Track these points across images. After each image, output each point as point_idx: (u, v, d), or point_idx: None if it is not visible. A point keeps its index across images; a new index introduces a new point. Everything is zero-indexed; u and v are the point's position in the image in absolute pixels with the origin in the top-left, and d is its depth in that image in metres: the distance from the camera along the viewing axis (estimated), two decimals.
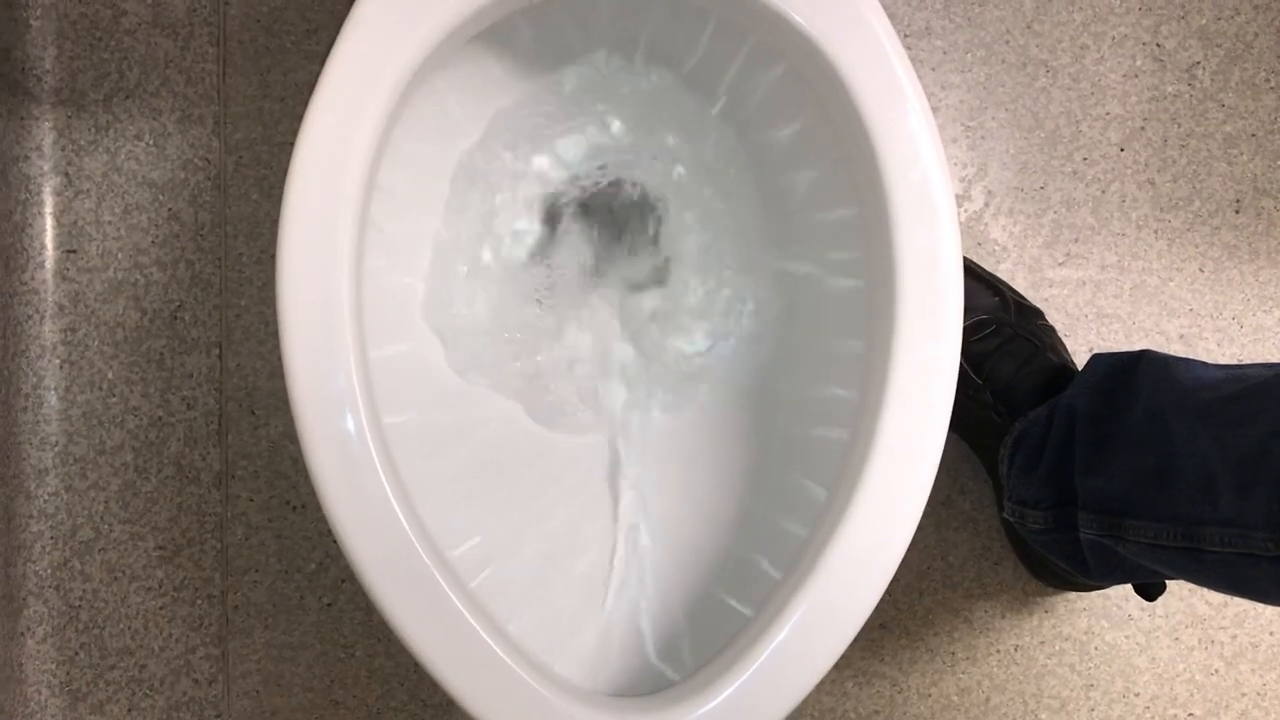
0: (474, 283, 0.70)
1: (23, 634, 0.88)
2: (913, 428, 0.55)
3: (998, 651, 0.93)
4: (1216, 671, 0.94)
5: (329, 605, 0.90)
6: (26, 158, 0.88)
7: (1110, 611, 0.93)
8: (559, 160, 0.72)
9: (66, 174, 0.89)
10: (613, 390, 0.72)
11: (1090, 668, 0.93)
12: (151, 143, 0.89)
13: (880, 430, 0.55)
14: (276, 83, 0.90)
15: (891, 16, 0.92)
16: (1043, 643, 0.93)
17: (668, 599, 0.66)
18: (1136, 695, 0.93)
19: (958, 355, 0.56)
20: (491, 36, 0.62)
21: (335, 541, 0.55)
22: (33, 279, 0.88)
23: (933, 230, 0.55)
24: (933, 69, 0.93)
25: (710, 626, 0.62)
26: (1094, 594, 0.92)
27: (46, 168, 0.89)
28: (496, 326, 0.71)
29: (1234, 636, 0.94)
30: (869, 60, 0.56)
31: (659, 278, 0.73)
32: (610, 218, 0.74)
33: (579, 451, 0.70)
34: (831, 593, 0.55)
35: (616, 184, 0.74)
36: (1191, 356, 0.82)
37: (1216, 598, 0.93)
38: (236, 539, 0.90)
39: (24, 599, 0.88)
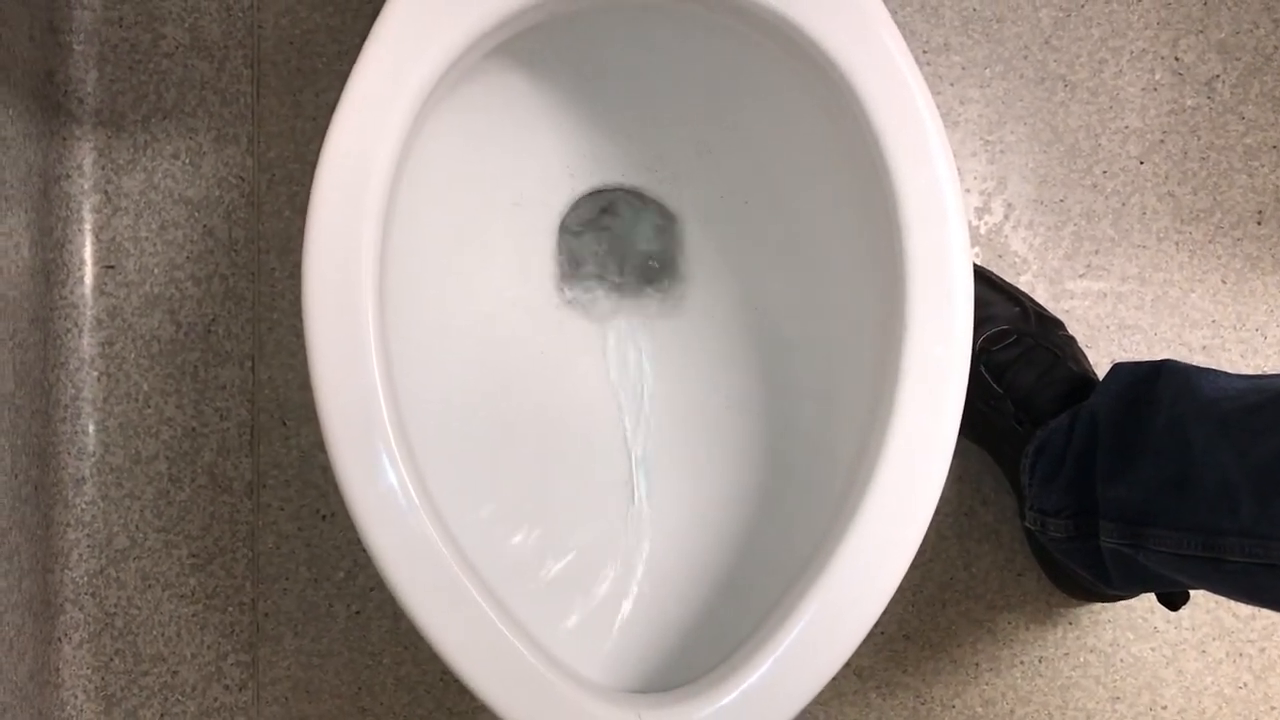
0: (488, 288, 0.73)
1: (59, 639, 0.90)
2: (924, 429, 0.56)
3: (1022, 663, 0.93)
4: (1245, 685, 0.93)
5: (357, 613, 0.91)
6: (68, 176, 0.91)
7: (1135, 623, 0.93)
8: (582, 167, 0.74)
9: (106, 192, 0.91)
10: (631, 397, 0.73)
11: (1116, 680, 0.93)
12: (188, 161, 0.92)
13: (891, 431, 0.56)
14: (309, 102, 0.92)
15: (910, 33, 0.94)
16: (1067, 654, 0.93)
17: (686, 598, 0.67)
18: (1164, 709, 0.93)
19: (968, 357, 0.57)
20: (514, 54, 0.63)
21: (364, 550, 0.57)
22: (72, 294, 0.91)
23: (942, 232, 0.56)
24: (951, 84, 0.94)
25: (727, 624, 0.63)
26: (1118, 605, 0.92)
27: (87, 186, 0.91)
28: (503, 338, 0.73)
29: (1262, 650, 0.93)
30: (877, 66, 0.57)
31: (672, 283, 0.75)
32: (629, 226, 0.76)
33: (600, 456, 0.72)
34: (844, 591, 0.55)
35: (634, 194, 0.75)
36: (1214, 367, 0.82)
37: (1244, 610, 0.93)
38: (267, 547, 0.91)
39: (61, 605, 0.90)
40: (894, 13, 0.93)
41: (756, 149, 0.72)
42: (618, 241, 0.76)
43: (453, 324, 0.71)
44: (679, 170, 0.74)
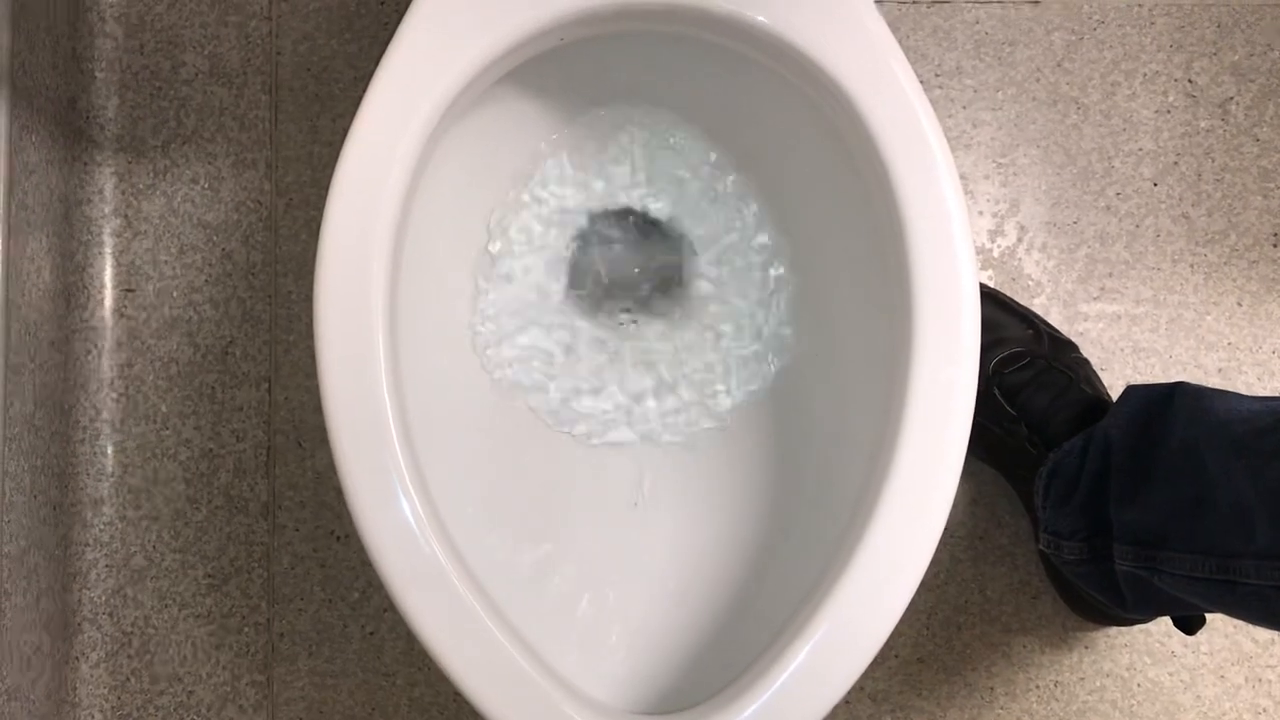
0: (508, 310, 0.73)
1: (77, 659, 0.91)
2: (931, 451, 0.56)
3: (1037, 687, 0.92)
4: (1265, 711, 0.92)
5: (371, 634, 0.92)
6: (89, 201, 0.92)
7: (1153, 648, 0.92)
8: (590, 193, 0.74)
9: (126, 216, 0.93)
10: (639, 420, 0.73)
11: (1133, 705, 0.92)
12: (207, 186, 0.93)
13: (899, 453, 0.56)
14: (326, 128, 0.94)
15: (922, 57, 0.94)
16: (1083, 679, 0.92)
17: (694, 619, 0.67)
18: None
19: (976, 379, 0.57)
20: (519, 74, 0.64)
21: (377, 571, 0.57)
22: (92, 316, 0.92)
23: (949, 255, 0.56)
24: (964, 107, 0.94)
25: (734, 646, 0.63)
26: (1135, 629, 0.92)
27: (107, 210, 0.93)
28: (529, 352, 0.73)
29: None
30: (883, 91, 0.58)
31: (684, 313, 0.75)
32: (638, 251, 0.76)
33: (609, 479, 0.72)
34: (851, 613, 0.55)
35: (643, 217, 0.76)
36: (1230, 390, 0.81)
37: (1263, 634, 0.92)
38: (282, 568, 0.92)
39: (79, 625, 0.91)
40: (905, 37, 0.94)
41: (763, 173, 0.72)
42: (625, 264, 0.76)
43: (461, 345, 0.72)
44: (687, 194, 0.74)
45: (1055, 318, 0.93)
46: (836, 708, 0.56)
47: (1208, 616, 0.80)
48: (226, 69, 0.93)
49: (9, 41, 0.80)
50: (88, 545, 0.91)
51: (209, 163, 0.93)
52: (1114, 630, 0.92)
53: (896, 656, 0.92)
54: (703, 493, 0.71)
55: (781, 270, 0.73)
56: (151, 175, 0.93)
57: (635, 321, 0.75)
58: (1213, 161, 0.94)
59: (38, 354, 0.85)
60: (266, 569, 0.92)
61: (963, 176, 0.90)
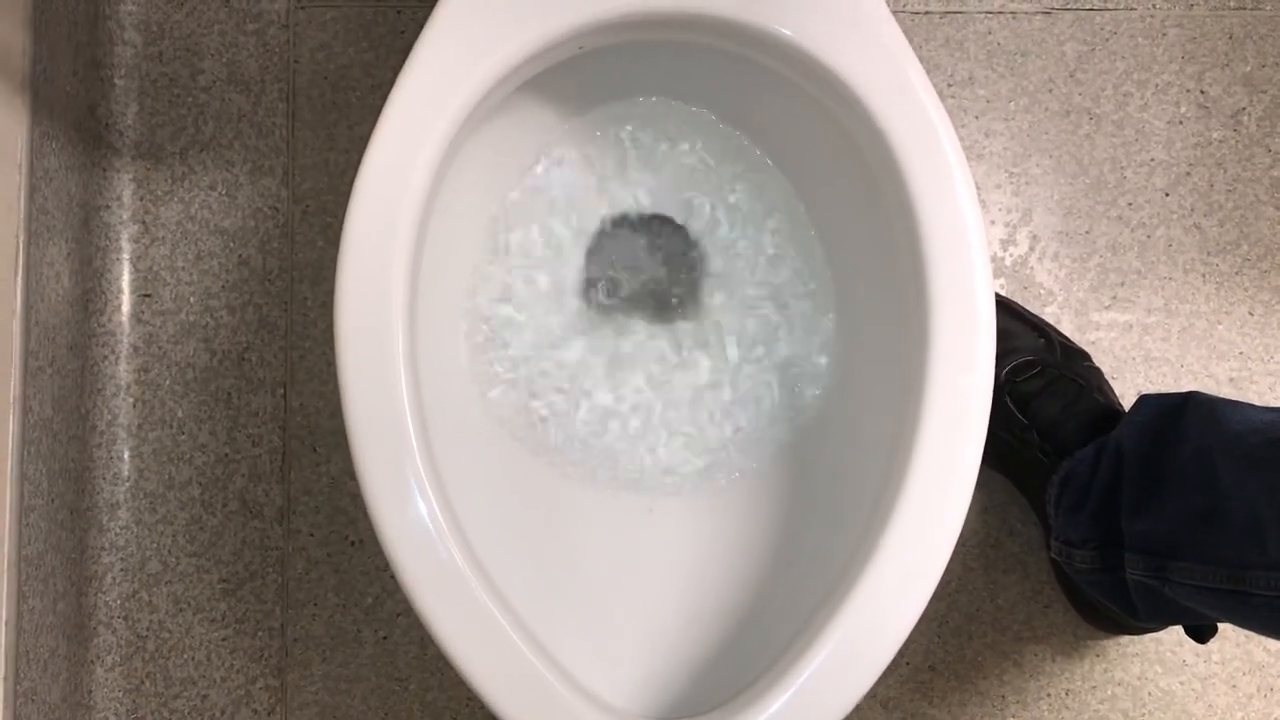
0: (511, 327, 0.73)
1: (92, 662, 0.92)
2: (947, 460, 0.56)
3: (1048, 696, 0.92)
4: None
5: (385, 639, 0.92)
6: (107, 207, 0.93)
7: (1164, 657, 0.92)
8: (605, 198, 0.75)
9: (144, 222, 0.93)
10: (655, 429, 0.73)
11: (1144, 715, 0.92)
12: (224, 192, 0.94)
13: (914, 462, 0.56)
14: (342, 136, 0.94)
15: (935, 67, 0.95)
16: (1094, 688, 0.92)
17: (709, 627, 0.67)
18: None
19: (991, 387, 0.57)
20: (537, 82, 0.65)
21: (391, 576, 0.57)
22: (110, 321, 0.93)
23: (965, 263, 0.57)
24: (976, 117, 0.94)
25: (749, 654, 0.63)
26: (1147, 638, 0.92)
27: (125, 216, 0.93)
28: (529, 376, 0.73)
29: None
30: (900, 99, 0.58)
31: (699, 325, 0.75)
32: (653, 261, 0.77)
33: (623, 482, 0.72)
34: (865, 622, 0.55)
35: (659, 224, 0.76)
36: (1242, 400, 0.81)
37: (1275, 644, 0.92)
38: (297, 573, 0.92)
39: (94, 628, 0.92)
40: (918, 47, 0.95)
41: (780, 179, 0.73)
42: (643, 269, 0.77)
43: (470, 355, 0.72)
44: (704, 201, 0.75)
45: (1067, 326, 0.93)
46: (846, 715, 0.56)
47: (1219, 626, 0.80)
48: (244, 76, 0.94)
49: (31, 49, 0.81)
50: (104, 549, 0.92)
51: (226, 169, 0.94)
52: (1125, 639, 0.92)
53: (908, 664, 0.92)
54: (717, 500, 0.72)
55: (797, 275, 0.73)
56: (169, 182, 0.94)
57: (648, 334, 0.75)
58: (1225, 172, 0.94)
59: (56, 358, 0.85)
60: (281, 574, 0.93)
61: (975, 186, 0.91)
